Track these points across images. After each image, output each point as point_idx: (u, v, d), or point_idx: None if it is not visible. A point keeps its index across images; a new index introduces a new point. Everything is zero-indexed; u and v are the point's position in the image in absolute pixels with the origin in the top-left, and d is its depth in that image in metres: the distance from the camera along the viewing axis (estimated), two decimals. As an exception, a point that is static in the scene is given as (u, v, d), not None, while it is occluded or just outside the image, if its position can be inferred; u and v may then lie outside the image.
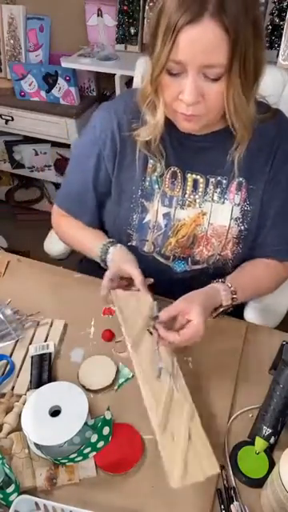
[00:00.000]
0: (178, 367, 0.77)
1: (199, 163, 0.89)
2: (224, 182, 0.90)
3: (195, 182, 0.91)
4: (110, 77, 1.78)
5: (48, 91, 2.01)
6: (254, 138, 0.84)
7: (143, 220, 0.93)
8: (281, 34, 1.61)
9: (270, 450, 0.72)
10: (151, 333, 0.80)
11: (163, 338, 0.77)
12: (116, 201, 0.96)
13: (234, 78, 0.70)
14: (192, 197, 0.91)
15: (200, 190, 0.91)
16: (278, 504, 0.62)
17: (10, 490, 0.63)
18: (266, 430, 0.71)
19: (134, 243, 0.96)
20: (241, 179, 0.89)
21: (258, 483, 0.68)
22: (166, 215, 0.92)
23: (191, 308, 0.77)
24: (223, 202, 0.91)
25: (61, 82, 1.95)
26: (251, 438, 0.74)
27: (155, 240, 0.94)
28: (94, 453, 0.67)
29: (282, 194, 0.91)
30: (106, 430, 0.67)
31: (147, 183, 0.92)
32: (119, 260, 0.89)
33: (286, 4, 1.58)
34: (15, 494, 0.64)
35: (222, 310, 0.84)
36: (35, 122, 2.03)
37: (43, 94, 2.02)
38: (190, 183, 0.91)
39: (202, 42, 0.66)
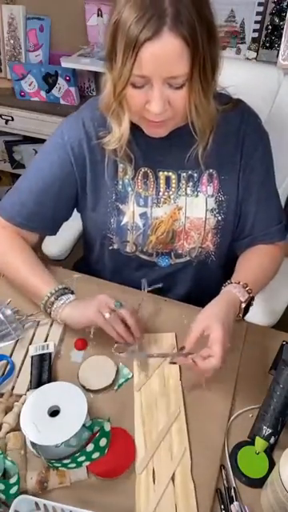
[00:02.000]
0: (182, 410, 0.78)
1: (168, 160, 0.90)
2: (195, 175, 0.91)
3: (167, 178, 0.92)
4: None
5: (48, 91, 2.01)
6: (219, 130, 0.85)
7: (121, 222, 0.94)
8: (281, 34, 1.62)
9: (270, 450, 0.72)
10: (175, 362, 0.82)
11: (200, 369, 0.75)
12: (92, 207, 0.96)
13: (195, 83, 0.72)
14: (166, 194, 0.93)
15: (173, 185, 0.92)
16: (278, 504, 0.62)
17: (12, 480, 0.63)
18: (266, 430, 0.71)
19: (115, 246, 0.98)
20: (211, 171, 0.91)
21: (258, 483, 0.68)
22: (143, 215, 0.94)
23: (210, 325, 0.75)
24: (197, 195, 0.93)
25: (61, 81, 1.96)
26: (251, 438, 0.74)
27: (136, 240, 0.96)
28: (88, 462, 0.67)
29: (259, 178, 0.93)
30: (103, 442, 0.66)
31: (120, 186, 0.93)
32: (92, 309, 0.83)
33: (285, 4, 1.58)
34: (16, 487, 0.64)
35: (244, 305, 0.84)
36: (35, 121, 2.03)
37: (43, 93, 2.03)
38: (162, 181, 0.92)
39: (165, 55, 0.68)
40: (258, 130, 0.93)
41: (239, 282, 0.86)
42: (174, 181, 0.92)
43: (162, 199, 0.93)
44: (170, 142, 0.87)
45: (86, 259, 1.13)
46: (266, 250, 0.98)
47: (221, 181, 0.92)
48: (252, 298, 0.87)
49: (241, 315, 0.85)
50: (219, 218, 0.94)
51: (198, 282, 1.02)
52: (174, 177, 0.92)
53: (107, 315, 0.82)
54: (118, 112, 0.80)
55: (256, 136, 0.92)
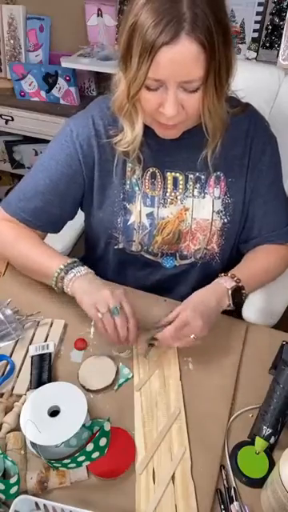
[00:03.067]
0: (182, 410, 0.78)
1: (177, 161, 0.91)
2: (202, 177, 0.92)
3: (175, 179, 0.92)
4: (110, 77, 1.78)
5: (48, 91, 2.01)
6: (227, 133, 0.86)
7: (127, 222, 0.94)
8: (281, 34, 1.62)
9: (270, 450, 0.72)
10: (153, 345, 0.85)
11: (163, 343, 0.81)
12: (99, 206, 0.96)
13: (209, 87, 0.72)
14: (173, 194, 0.93)
15: (180, 186, 0.93)
16: (278, 504, 0.62)
17: (12, 480, 0.63)
18: (266, 430, 0.71)
19: (120, 246, 0.98)
20: (218, 173, 0.92)
21: (258, 483, 0.68)
22: (150, 215, 0.94)
23: (185, 307, 0.82)
24: (204, 197, 0.93)
25: (61, 81, 1.96)
26: (251, 438, 0.74)
27: (141, 240, 0.96)
28: (88, 462, 0.67)
29: (267, 181, 0.94)
30: (102, 442, 0.66)
31: (128, 186, 0.93)
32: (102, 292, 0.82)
33: (285, 4, 1.58)
34: (16, 487, 0.64)
35: (230, 292, 0.87)
36: (35, 121, 2.03)
37: (43, 94, 2.03)
38: (170, 181, 0.92)
39: (181, 60, 0.68)
40: (265, 133, 0.94)
41: (227, 274, 0.90)
42: (181, 182, 0.92)
43: (169, 200, 0.93)
44: (179, 143, 0.87)
45: (87, 258, 1.12)
46: (272, 249, 0.98)
47: (228, 183, 0.93)
48: (242, 288, 0.89)
49: (230, 302, 0.87)
50: (225, 220, 0.94)
51: (201, 284, 1.02)
52: (181, 178, 0.92)
53: (102, 311, 0.80)
54: (131, 113, 0.81)
55: (264, 139, 0.93)
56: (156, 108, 0.76)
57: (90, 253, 1.11)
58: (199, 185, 0.92)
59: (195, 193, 0.93)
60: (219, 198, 0.93)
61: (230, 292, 0.87)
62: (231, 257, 1.01)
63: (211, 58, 0.68)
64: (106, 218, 0.95)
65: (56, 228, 1.01)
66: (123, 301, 0.82)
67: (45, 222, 0.96)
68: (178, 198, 0.93)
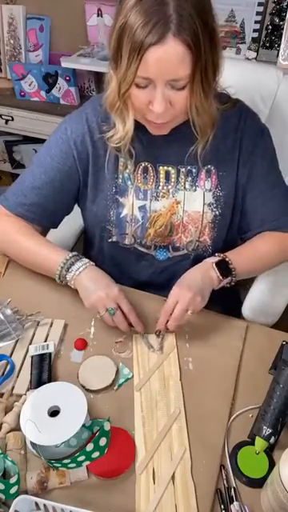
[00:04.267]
0: (182, 410, 0.78)
1: (168, 155, 0.93)
2: (194, 170, 0.94)
3: (167, 173, 0.94)
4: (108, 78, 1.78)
5: (48, 91, 2.01)
6: (218, 128, 0.88)
7: (120, 215, 0.97)
8: (281, 34, 1.62)
9: (270, 450, 0.72)
10: (158, 335, 0.90)
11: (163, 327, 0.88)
12: (92, 200, 0.99)
13: (196, 85, 0.75)
14: (165, 188, 0.95)
15: (172, 180, 0.95)
16: (278, 504, 0.62)
17: (12, 480, 0.63)
18: (266, 430, 0.71)
19: (114, 239, 1.01)
20: (209, 166, 0.94)
21: (258, 483, 0.68)
22: (142, 208, 0.96)
23: (172, 289, 0.88)
24: (195, 190, 0.95)
25: (61, 82, 1.96)
26: (251, 438, 0.74)
27: (134, 232, 0.98)
28: (88, 462, 0.67)
29: (262, 171, 0.95)
30: (102, 441, 0.66)
31: (120, 180, 0.95)
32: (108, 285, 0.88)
33: (285, 4, 1.58)
34: (16, 487, 0.64)
35: (214, 264, 0.91)
36: (35, 121, 2.03)
37: (43, 94, 2.03)
38: (162, 175, 0.94)
39: (168, 60, 0.71)
40: (256, 126, 0.95)
41: (215, 253, 0.95)
42: (173, 175, 0.94)
43: (161, 193, 0.95)
44: (171, 138, 0.89)
45: (86, 255, 1.13)
46: (271, 236, 0.98)
47: (219, 177, 0.95)
48: (228, 262, 0.92)
49: (217, 274, 0.90)
50: (216, 212, 0.96)
51: None
52: (173, 171, 0.94)
53: (101, 313, 0.86)
54: (122, 110, 0.83)
55: (255, 132, 0.94)
56: (145, 105, 0.78)
57: (88, 250, 1.14)
58: (190, 178, 0.94)
59: (187, 186, 0.95)
60: (210, 190, 0.95)
61: (213, 265, 0.91)
62: (223, 249, 1.01)
63: (197, 58, 0.71)
64: (100, 211, 0.98)
65: (53, 222, 1.04)
66: (120, 300, 0.87)
67: (42, 216, 0.99)
68: (170, 191, 0.95)
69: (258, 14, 1.63)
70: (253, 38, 1.68)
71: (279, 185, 0.98)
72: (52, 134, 0.98)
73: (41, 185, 0.95)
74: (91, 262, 0.91)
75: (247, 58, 1.71)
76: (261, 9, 1.62)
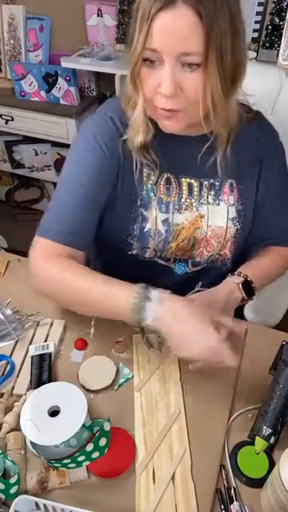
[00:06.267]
0: (182, 410, 0.78)
1: (191, 167, 0.89)
2: (217, 184, 0.91)
3: (190, 185, 0.91)
4: (110, 77, 1.78)
5: (48, 91, 2.01)
6: (240, 140, 0.87)
7: (144, 229, 0.91)
8: (281, 34, 1.61)
9: (270, 450, 0.72)
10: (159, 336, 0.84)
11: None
12: (116, 210, 0.91)
13: (210, 69, 0.69)
14: (188, 200, 0.91)
15: (195, 193, 0.91)
16: (278, 504, 0.62)
17: (12, 480, 0.64)
18: (266, 430, 0.71)
19: (134, 252, 0.94)
20: (231, 180, 0.92)
21: (258, 483, 0.68)
22: (165, 221, 0.91)
23: (193, 298, 0.84)
24: (218, 204, 0.92)
25: (61, 82, 1.95)
26: (251, 438, 0.74)
27: (156, 246, 0.93)
28: (88, 462, 0.67)
29: (277, 189, 0.94)
30: (102, 441, 0.66)
31: (144, 192, 0.90)
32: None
33: (285, 4, 1.58)
34: (16, 487, 0.64)
35: (241, 285, 0.90)
36: (35, 121, 2.03)
37: (43, 94, 2.03)
38: (185, 187, 0.91)
39: (176, 28, 0.66)
40: (276, 141, 0.94)
41: (234, 273, 0.93)
42: (195, 188, 0.91)
43: (184, 205, 0.91)
44: (192, 149, 0.86)
45: (95, 262, 1.10)
46: (278, 251, 1.01)
47: (239, 190, 0.93)
48: (251, 282, 0.91)
49: (242, 294, 0.90)
50: (239, 226, 0.94)
51: (207, 286, 1.02)
52: (196, 184, 0.91)
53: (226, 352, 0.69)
54: (135, 100, 0.78)
55: (274, 148, 0.93)
56: (155, 89, 0.73)
57: (99, 257, 1.07)
58: (213, 192, 0.91)
59: (210, 199, 0.92)
60: (233, 205, 0.93)
61: (240, 285, 0.90)
62: (237, 260, 1.01)
63: (210, 34, 0.66)
64: (123, 223, 0.91)
65: (91, 241, 0.91)
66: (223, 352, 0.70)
67: (88, 239, 0.88)
68: (194, 204, 0.92)
69: (257, 14, 1.63)
70: (253, 38, 1.68)
71: None
72: (77, 143, 0.88)
73: (81, 199, 0.84)
74: (166, 291, 0.74)
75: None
76: (261, 9, 1.62)
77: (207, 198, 0.92)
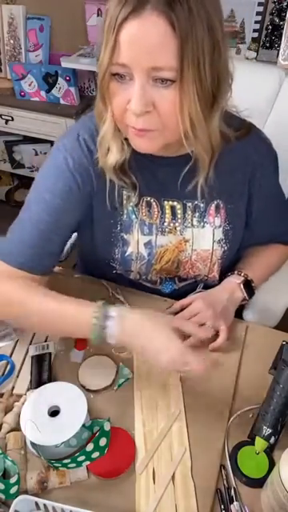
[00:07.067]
0: (182, 410, 0.78)
1: (172, 189, 0.83)
2: (201, 205, 0.86)
3: (173, 208, 0.86)
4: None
5: (48, 91, 2.01)
6: (226, 159, 0.80)
7: (125, 253, 0.88)
8: (281, 34, 1.62)
9: (270, 450, 0.72)
10: None
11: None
12: (95, 237, 0.88)
13: (186, 86, 0.61)
14: (172, 224, 0.87)
15: (179, 216, 0.86)
16: (278, 504, 0.62)
17: (13, 480, 0.64)
18: (266, 430, 0.71)
19: (119, 271, 0.92)
20: (218, 201, 0.87)
21: (258, 483, 0.68)
22: (148, 244, 0.87)
23: (196, 297, 0.88)
24: (203, 226, 0.88)
25: (61, 82, 1.96)
26: (251, 438, 0.74)
27: (139, 269, 0.91)
28: (88, 462, 0.67)
29: (272, 198, 0.95)
30: (102, 441, 0.66)
31: (125, 216, 0.85)
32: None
33: (285, 4, 1.58)
34: (16, 487, 0.64)
35: (242, 285, 0.90)
36: (35, 121, 2.03)
37: (43, 93, 2.03)
38: (168, 211, 0.86)
39: (144, 38, 0.58)
40: (271, 156, 0.90)
41: (234, 272, 0.93)
42: (179, 211, 0.86)
43: (168, 229, 0.87)
44: (173, 171, 0.81)
45: (82, 267, 1.09)
46: (276, 248, 1.01)
47: (227, 210, 0.88)
48: (252, 281, 0.92)
49: (244, 294, 0.91)
50: (226, 248, 0.91)
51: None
52: (179, 206, 0.86)
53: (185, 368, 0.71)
54: (104, 116, 0.71)
55: (269, 163, 0.90)
56: (124, 107, 0.66)
57: (85, 265, 1.07)
58: (198, 213, 0.87)
59: (194, 222, 0.87)
60: (220, 226, 0.89)
61: (241, 286, 0.90)
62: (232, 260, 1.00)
63: (185, 46, 0.58)
64: (103, 248, 0.89)
65: (52, 266, 0.87)
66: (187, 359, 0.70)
67: (51, 264, 0.85)
68: (178, 228, 0.87)
69: (258, 14, 1.64)
70: (253, 38, 1.68)
71: (284, 205, 0.98)
72: (47, 166, 0.82)
73: (45, 227, 0.79)
74: (124, 307, 0.78)
75: (247, 58, 1.71)
76: (261, 9, 1.62)
77: (191, 220, 0.87)
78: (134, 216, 0.85)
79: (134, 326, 0.72)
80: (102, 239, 0.88)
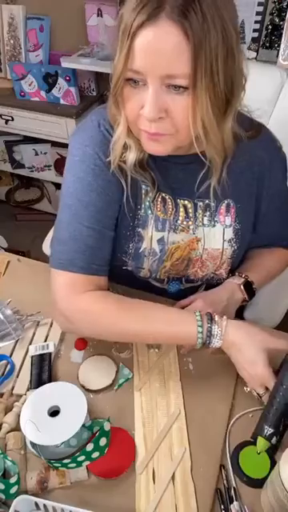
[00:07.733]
0: (183, 410, 0.78)
1: (185, 188, 0.84)
2: (212, 204, 0.87)
3: (185, 207, 0.87)
4: (110, 77, 1.78)
5: (48, 91, 2.01)
6: (238, 159, 0.81)
7: (139, 249, 0.87)
8: (281, 34, 1.61)
9: (272, 451, 0.72)
10: None
11: None
12: (116, 230, 0.87)
13: (199, 92, 0.62)
14: (185, 223, 0.87)
15: (190, 215, 0.87)
16: (279, 504, 0.61)
17: (12, 480, 0.64)
18: (268, 430, 0.71)
19: (129, 268, 0.91)
20: (228, 201, 0.87)
21: (259, 483, 0.68)
22: (160, 240, 0.88)
23: (196, 297, 0.89)
24: (214, 225, 0.88)
25: (61, 82, 1.95)
26: (253, 437, 0.73)
27: (150, 266, 0.90)
28: (88, 462, 0.67)
29: (280, 199, 0.94)
30: (102, 441, 0.66)
31: (142, 210, 0.85)
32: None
33: (285, 4, 1.58)
34: (16, 487, 0.64)
35: (242, 286, 0.91)
36: (35, 122, 2.03)
37: (43, 93, 2.02)
38: (182, 209, 0.86)
39: (159, 47, 0.59)
40: (280, 160, 0.91)
41: (235, 273, 0.94)
42: (190, 210, 0.86)
43: (180, 227, 0.87)
44: (185, 170, 0.82)
45: None
46: (279, 252, 1.02)
47: (237, 209, 0.88)
48: (252, 282, 0.92)
49: (244, 295, 0.91)
50: (236, 247, 0.91)
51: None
52: (190, 205, 0.86)
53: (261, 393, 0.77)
54: (118, 119, 0.72)
55: (279, 165, 0.90)
56: (138, 111, 0.67)
57: None
58: (209, 213, 0.87)
59: (205, 221, 0.88)
60: (230, 225, 0.89)
61: (241, 286, 0.90)
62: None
63: (198, 54, 0.59)
64: (119, 241, 0.86)
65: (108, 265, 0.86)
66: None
67: (108, 262, 0.84)
68: (190, 227, 0.87)
69: (257, 14, 1.63)
70: (253, 38, 1.68)
71: None
72: (78, 166, 0.80)
73: (98, 226, 0.80)
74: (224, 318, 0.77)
75: (247, 58, 1.71)
76: (261, 9, 1.62)
77: (202, 219, 0.88)
78: (149, 211, 0.86)
79: (242, 336, 0.76)
80: (119, 233, 0.86)
